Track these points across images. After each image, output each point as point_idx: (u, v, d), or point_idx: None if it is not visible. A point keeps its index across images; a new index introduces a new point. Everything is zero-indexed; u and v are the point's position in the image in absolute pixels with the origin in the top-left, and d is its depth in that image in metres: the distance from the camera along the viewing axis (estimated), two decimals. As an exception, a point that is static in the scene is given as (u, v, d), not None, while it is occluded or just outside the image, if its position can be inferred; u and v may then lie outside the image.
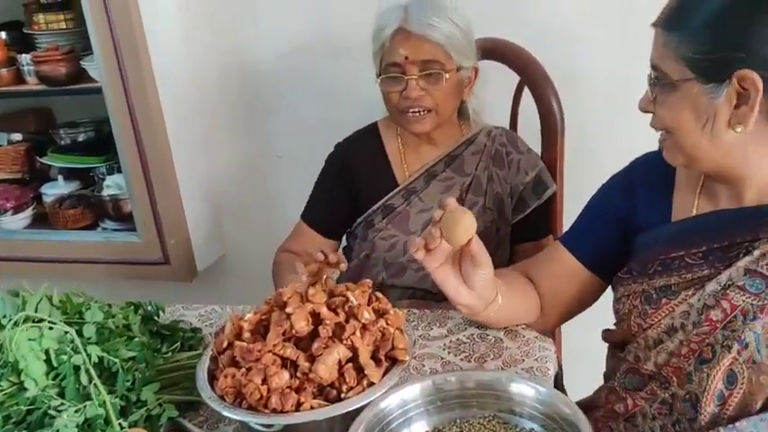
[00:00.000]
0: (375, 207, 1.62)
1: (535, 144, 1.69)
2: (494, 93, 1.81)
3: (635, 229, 1.19)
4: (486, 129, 1.64)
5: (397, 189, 1.62)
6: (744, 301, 1.01)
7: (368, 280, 1.10)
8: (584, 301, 1.31)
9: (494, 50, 1.71)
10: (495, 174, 1.61)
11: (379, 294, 1.09)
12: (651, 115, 1.08)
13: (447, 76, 1.48)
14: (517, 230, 1.63)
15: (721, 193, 1.09)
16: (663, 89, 1.02)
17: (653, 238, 1.15)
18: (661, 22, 1.02)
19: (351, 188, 1.65)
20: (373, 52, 1.55)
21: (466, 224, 1.07)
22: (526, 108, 1.73)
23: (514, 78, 1.71)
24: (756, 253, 1.01)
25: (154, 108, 2.00)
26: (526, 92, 1.70)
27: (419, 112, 1.50)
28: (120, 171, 2.19)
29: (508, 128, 1.76)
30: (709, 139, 1.00)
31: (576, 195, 1.68)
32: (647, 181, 1.20)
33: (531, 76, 1.67)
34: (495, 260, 1.57)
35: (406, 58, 1.46)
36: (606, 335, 1.27)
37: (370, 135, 1.68)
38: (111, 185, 2.26)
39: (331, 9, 1.94)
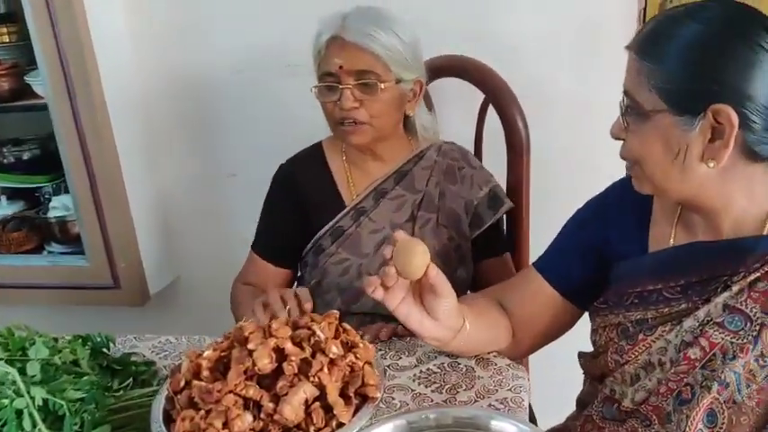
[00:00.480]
0: (323, 231, 1.54)
1: (501, 162, 1.66)
2: (458, 111, 1.79)
3: (611, 259, 1.16)
4: (436, 144, 1.59)
5: (346, 210, 1.55)
6: (723, 338, 0.99)
7: (335, 311, 1.03)
8: (558, 328, 1.27)
9: (457, 67, 1.68)
10: (447, 189, 1.55)
11: (347, 326, 1.03)
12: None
13: (383, 86, 1.42)
14: (477, 247, 1.58)
15: (698, 225, 1.06)
16: (635, 118, 0.99)
17: (629, 269, 1.12)
18: (634, 46, 0.98)
19: (299, 210, 1.58)
20: (313, 59, 1.49)
21: (419, 253, 1.02)
22: (491, 126, 1.69)
23: (479, 96, 1.68)
24: (735, 288, 0.99)
25: (103, 125, 1.92)
26: (491, 110, 1.67)
27: (354, 122, 1.44)
28: (66, 191, 2.09)
29: (473, 146, 1.73)
30: (681, 171, 0.97)
31: (542, 213, 1.66)
32: (623, 209, 1.16)
33: (496, 94, 1.64)
34: (459, 279, 1.55)
35: (341, 67, 1.41)
36: (584, 365, 1.23)
37: (313, 154, 1.61)
38: (58, 206, 2.16)
39: (285, 24, 1.88)
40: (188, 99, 2.07)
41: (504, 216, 1.64)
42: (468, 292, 1.60)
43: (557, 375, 1.43)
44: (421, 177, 1.55)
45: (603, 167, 1.79)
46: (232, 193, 2.17)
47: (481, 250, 1.59)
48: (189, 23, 1.99)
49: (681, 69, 0.92)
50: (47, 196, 2.24)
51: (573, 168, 1.84)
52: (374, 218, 1.53)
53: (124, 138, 1.99)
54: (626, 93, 1.00)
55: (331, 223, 1.54)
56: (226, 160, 2.13)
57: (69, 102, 1.88)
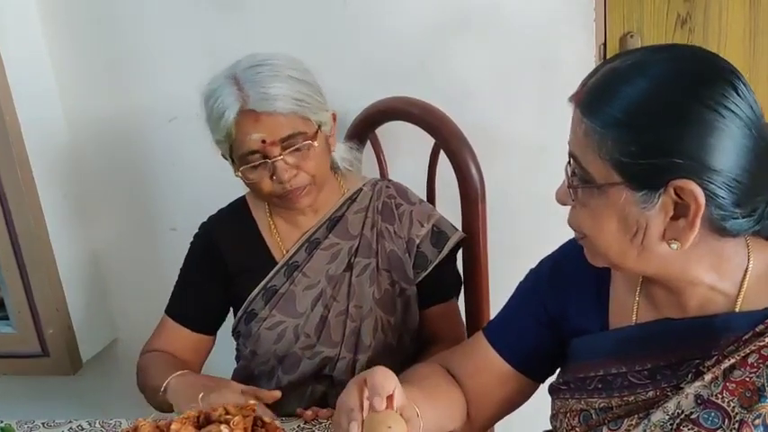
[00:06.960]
0: (255, 293, 1.39)
1: (455, 210, 1.53)
2: (408, 157, 1.67)
3: (568, 333, 1.03)
4: (369, 182, 1.46)
5: (277, 267, 1.40)
6: None
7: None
8: (513, 402, 1.13)
9: (405, 111, 1.56)
10: (385, 229, 1.41)
11: (267, 418, 0.88)
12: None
13: (316, 143, 1.29)
14: (423, 291, 1.43)
15: (663, 298, 0.93)
16: (584, 189, 0.85)
17: (590, 348, 0.99)
18: (579, 102, 0.84)
19: (222, 275, 1.43)
20: (216, 141, 1.33)
21: None
22: (445, 173, 1.56)
23: (430, 141, 1.55)
24: (707, 377, 0.85)
25: (25, 180, 1.77)
26: (443, 156, 1.54)
27: (298, 188, 1.31)
28: (-9, 251, 1.92)
29: (426, 194, 1.60)
30: (639, 251, 0.84)
31: (502, 264, 1.53)
32: (579, 275, 1.02)
33: (447, 139, 1.51)
34: (404, 328, 1.42)
35: (264, 141, 1.26)
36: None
37: (237, 210, 1.47)
38: (-20, 268, 1.98)
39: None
40: (121, 149, 1.92)
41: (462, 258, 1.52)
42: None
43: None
44: (355, 222, 1.41)
45: (565, 213, 1.68)
46: (172, 248, 1.99)
47: (428, 295, 1.44)
48: (119, 67, 1.85)
49: (634, 138, 0.78)
50: (-29, 256, 2.07)
51: (533, 215, 1.71)
52: (308, 272, 1.39)
53: (50, 193, 1.84)
54: (572, 156, 0.85)
55: (263, 283, 1.39)
56: (164, 214, 1.97)
57: (-15, 154, 1.74)
